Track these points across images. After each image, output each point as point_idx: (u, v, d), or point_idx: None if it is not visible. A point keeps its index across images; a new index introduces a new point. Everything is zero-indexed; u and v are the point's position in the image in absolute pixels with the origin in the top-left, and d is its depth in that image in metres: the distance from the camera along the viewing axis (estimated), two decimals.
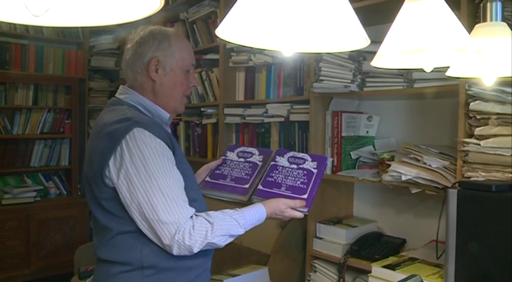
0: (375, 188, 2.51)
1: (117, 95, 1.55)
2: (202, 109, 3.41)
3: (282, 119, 2.74)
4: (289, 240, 2.57)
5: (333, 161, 2.38)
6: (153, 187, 1.29)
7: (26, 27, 4.28)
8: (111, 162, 1.33)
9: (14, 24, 3.91)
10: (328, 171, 2.37)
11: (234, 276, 2.23)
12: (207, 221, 1.34)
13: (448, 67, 1.33)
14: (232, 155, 1.81)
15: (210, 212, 1.38)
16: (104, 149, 1.34)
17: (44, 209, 4.18)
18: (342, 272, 2.26)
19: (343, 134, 2.38)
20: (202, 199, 1.55)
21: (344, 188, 2.59)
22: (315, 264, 2.45)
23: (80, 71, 4.60)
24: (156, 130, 1.36)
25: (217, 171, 1.76)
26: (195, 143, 3.55)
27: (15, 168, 4.29)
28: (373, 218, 2.55)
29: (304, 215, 1.54)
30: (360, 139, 2.47)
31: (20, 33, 4.25)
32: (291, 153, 1.72)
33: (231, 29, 0.79)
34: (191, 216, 1.32)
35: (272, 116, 2.81)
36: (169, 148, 1.38)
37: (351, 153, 2.42)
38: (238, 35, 0.86)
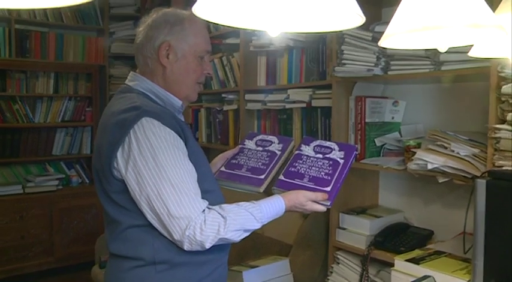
0: (402, 177, 2.46)
1: (127, 81, 1.52)
2: (223, 95, 3.42)
3: (304, 105, 2.71)
4: (312, 231, 2.55)
5: (356, 149, 2.30)
6: (163, 179, 1.27)
7: (46, 15, 4.30)
8: (119, 154, 1.31)
9: (33, 10, 3.95)
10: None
11: (253, 267, 2.24)
12: (220, 215, 1.31)
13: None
14: (250, 144, 1.79)
15: (224, 205, 1.35)
16: (112, 140, 1.32)
17: (66, 198, 4.25)
18: (366, 264, 2.22)
19: (367, 120, 2.33)
20: (218, 190, 1.53)
21: (369, 176, 2.55)
22: (338, 256, 2.42)
23: (100, 58, 4.64)
24: (167, 119, 1.33)
25: (233, 161, 1.74)
26: (216, 129, 3.55)
27: (37, 157, 4.37)
28: (400, 208, 2.50)
29: (327, 208, 1.50)
30: (384, 125, 2.42)
31: (40, 21, 4.30)
32: (317, 142, 1.68)
33: (210, 7, 0.73)
34: (203, 210, 1.29)
35: (294, 102, 2.79)
36: (181, 138, 1.35)
37: (375, 140, 2.37)
38: (219, 13, 0.80)
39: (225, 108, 3.40)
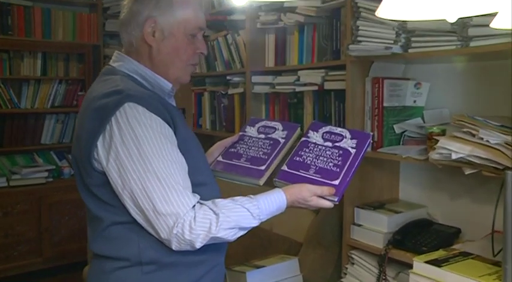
0: (425, 168, 2.45)
1: (111, 62, 1.53)
2: (228, 77, 3.43)
3: (316, 88, 2.71)
4: (324, 227, 2.56)
5: (373, 136, 2.32)
6: (148, 172, 1.27)
7: None
8: (99, 143, 1.32)
9: None
10: (368, 148, 2.28)
11: (258, 267, 2.25)
12: (212, 211, 1.31)
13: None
14: (251, 131, 1.79)
15: (217, 200, 1.36)
16: (91, 128, 1.32)
17: (57, 191, 4.28)
18: (383, 265, 2.21)
19: (385, 104, 2.31)
20: (214, 183, 1.54)
21: (388, 167, 2.54)
22: (353, 255, 2.42)
23: (93, 36, 4.64)
24: (153, 104, 1.34)
25: (232, 150, 1.75)
26: (221, 115, 3.59)
27: (24, 146, 4.40)
28: (423, 202, 2.48)
29: (334, 204, 1.50)
30: (405, 110, 2.40)
31: None
32: (327, 128, 1.68)
33: None
34: (193, 206, 1.30)
35: (305, 84, 2.79)
36: (169, 125, 1.36)
37: (395, 126, 2.35)
38: None
39: (230, 91, 3.43)
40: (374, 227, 2.33)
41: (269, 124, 1.79)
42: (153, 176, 1.26)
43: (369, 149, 2.22)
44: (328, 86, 2.64)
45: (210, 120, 3.73)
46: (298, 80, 2.81)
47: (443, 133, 2.09)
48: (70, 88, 4.55)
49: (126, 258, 1.36)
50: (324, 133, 1.66)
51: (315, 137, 1.66)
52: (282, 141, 1.71)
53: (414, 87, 2.40)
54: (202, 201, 1.33)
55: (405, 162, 2.30)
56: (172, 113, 1.38)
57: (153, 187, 1.26)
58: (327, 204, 1.48)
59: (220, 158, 1.73)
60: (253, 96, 3.19)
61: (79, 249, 4.14)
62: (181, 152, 1.36)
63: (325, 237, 2.54)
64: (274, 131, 1.75)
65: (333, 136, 1.64)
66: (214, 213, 1.31)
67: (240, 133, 1.80)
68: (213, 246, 1.36)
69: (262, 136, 1.75)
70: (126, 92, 1.32)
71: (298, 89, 2.83)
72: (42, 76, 4.40)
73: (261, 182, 1.61)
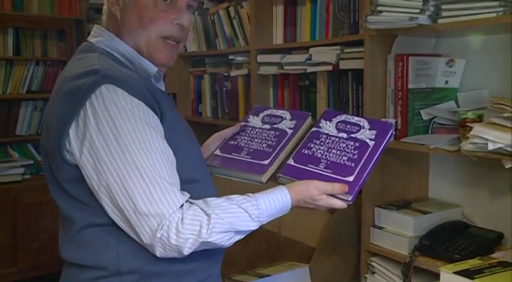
0: (460, 161, 2.44)
1: (89, 37, 1.53)
2: (230, 57, 3.45)
3: (330, 68, 2.71)
4: (340, 230, 2.56)
5: (396, 124, 2.30)
6: (128, 165, 1.27)
7: None
8: (72, 132, 1.31)
9: None
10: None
11: (261, 276, 2.27)
12: (203, 211, 1.30)
13: None
14: (255, 120, 1.82)
15: (209, 199, 1.35)
16: (63, 113, 1.32)
17: (35, 190, 4.25)
18: (408, 274, 2.20)
19: (410, 86, 2.29)
20: (209, 180, 1.54)
21: (415, 159, 2.53)
22: (373, 263, 2.42)
23: (75, 9, 4.64)
24: (135, 87, 1.33)
25: (232, 142, 1.76)
26: (223, 101, 3.60)
27: None
28: (457, 201, 2.48)
29: (348, 205, 1.50)
30: (435, 92, 2.38)
31: None
32: (342, 117, 1.70)
33: None
34: (181, 205, 1.29)
35: (318, 64, 2.78)
36: (155, 112, 1.36)
37: (422, 112, 2.33)
38: None
39: (233, 73, 3.45)
40: (398, 230, 2.33)
41: (275, 113, 1.82)
42: (133, 169, 1.26)
43: (391, 139, 2.23)
44: (344, 65, 2.63)
45: (210, 107, 3.74)
46: (310, 58, 2.81)
47: (479, 119, 2.07)
48: (49, 70, 4.56)
49: (103, 266, 1.36)
50: (338, 123, 1.67)
51: (328, 127, 1.67)
52: (290, 132, 1.73)
53: (446, 65, 2.38)
54: (192, 200, 1.33)
55: (435, 154, 2.28)
56: (158, 98, 1.38)
57: (133, 183, 1.26)
58: (339, 204, 1.48)
59: (217, 152, 1.75)
60: (259, 78, 3.20)
61: (60, 257, 4.13)
62: (169, 143, 1.36)
63: (341, 241, 2.54)
64: (281, 121, 1.78)
65: (348, 126, 1.65)
66: (206, 214, 1.30)
67: (242, 123, 1.82)
68: (206, 253, 1.37)
69: (267, 126, 1.77)
70: (103, 72, 1.31)
71: (310, 69, 2.82)
72: (16, 56, 4.40)
73: (264, 178, 1.62)
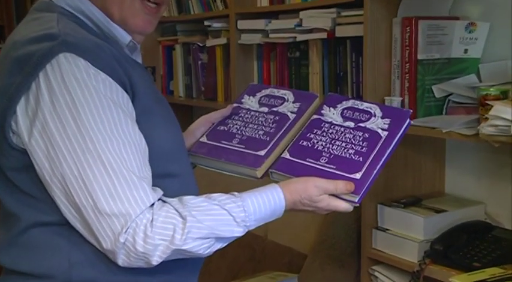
0: (483, 148, 2.42)
1: None
2: (206, 23, 3.45)
3: (325, 35, 2.69)
4: (336, 233, 2.56)
5: (402, 102, 2.31)
6: (88, 152, 1.25)
7: None
8: (19, 109, 1.29)
9: None
10: None
11: None
12: (177, 212, 1.29)
13: None
14: (250, 101, 1.84)
15: (186, 198, 1.34)
16: (9, 85, 1.30)
17: None
18: None
19: (420, 56, 2.28)
20: (189, 174, 1.56)
21: (427, 146, 2.53)
22: (375, 273, 2.43)
23: None
24: (103, 58, 1.33)
25: (222, 128, 1.78)
26: (198, 77, 3.60)
27: None
28: (478, 197, 2.49)
29: (354, 207, 1.52)
30: (451, 64, 2.37)
31: None
32: (349, 103, 1.71)
33: None
34: (152, 204, 1.28)
35: (310, 31, 2.78)
36: (126, 89, 1.35)
37: (434, 88, 2.32)
38: None
39: (210, 43, 3.44)
40: (405, 233, 2.33)
41: (275, 93, 1.83)
42: (95, 159, 1.24)
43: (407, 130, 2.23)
44: (341, 32, 2.62)
45: (183, 84, 3.75)
46: (300, 24, 2.81)
47: (504, 96, 2.06)
48: None
49: (50, 275, 1.35)
50: (344, 110, 1.68)
51: (331, 114, 1.68)
52: (292, 117, 1.73)
53: (465, 30, 2.36)
54: (165, 199, 1.32)
55: (451, 139, 2.29)
56: (131, 73, 1.37)
57: (94, 175, 1.24)
58: (343, 206, 1.48)
59: (203, 139, 1.75)
60: (240, 49, 3.20)
61: None
62: (141, 128, 1.35)
63: (337, 247, 2.54)
64: (283, 103, 1.78)
65: (356, 113, 1.66)
66: (181, 215, 1.28)
67: (235, 105, 1.84)
68: (180, 263, 1.36)
69: (265, 109, 1.78)
70: (62, 38, 1.30)
71: (300, 37, 2.83)
72: None
73: (259, 173, 1.62)
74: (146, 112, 1.39)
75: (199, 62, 3.54)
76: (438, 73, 2.33)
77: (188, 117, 3.86)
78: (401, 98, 2.31)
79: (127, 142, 1.29)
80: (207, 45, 3.44)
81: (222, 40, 3.32)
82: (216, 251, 1.36)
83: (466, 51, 2.37)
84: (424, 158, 2.53)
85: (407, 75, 2.30)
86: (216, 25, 3.35)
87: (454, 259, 2.11)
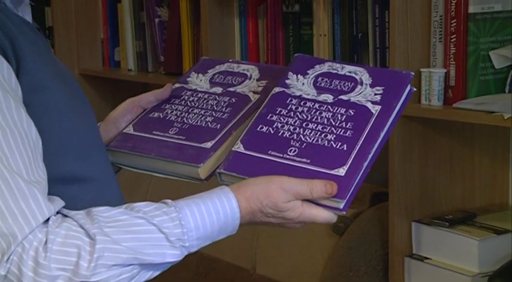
0: None
1: None
2: None
3: None
4: (354, 263, 2.59)
5: (446, 75, 2.31)
6: None
7: None
8: None
9: None
10: (436, 100, 2.31)
11: None
12: (83, 230, 1.28)
13: None
14: (198, 81, 1.89)
15: (97, 210, 1.34)
16: None
17: None
18: None
19: (472, 10, 2.31)
20: (107, 178, 1.59)
21: (483, 140, 2.55)
22: None
23: None
24: None
25: (155, 114, 1.83)
26: (155, 43, 3.63)
27: None
28: None
29: (339, 216, 1.52)
30: None
31: None
32: (325, 67, 1.74)
33: None
34: (47, 219, 1.27)
35: None
36: (9, 59, 1.36)
37: (492, 55, 2.35)
38: None
39: None
40: (452, 263, 2.37)
41: (235, 69, 1.89)
42: None
43: (437, 102, 2.24)
44: None
45: (135, 52, 3.79)
46: None
47: None
48: None
49: None
50: (317, 77, 1.70)
51: (300, 84, 1.70)
52: (255, 98, 1.78)
53: None
54: (66, 212, 1.32)
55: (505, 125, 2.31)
56: (15, 36, 1.39)
57: None
58: (323, 216, 1.48)
59: (129, 130, 1.79)
60: (215, 1, 3.21)
61: None
62: (31, 112, 1.36)
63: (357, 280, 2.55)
64: (243, 81, 1.84)
65: (335, 82, 1.68)
66: (87, 234, 1.27)
67: (176, 85, 1.88)
68: None
69: (219, 90, 1.83)
70: None
71: None
72: None
73: (203, 172, 1.64)
74: (38, 90, 1.41)
75: (157, 20, 3.55)
76: (497, 34, 2.35)
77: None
78: (445, 70, 2.31)
79: (9, 130, 1.29)
80: None
81: None
82: None
83: None
84: (479, 157, 2.54)
85: (453, 36, 2.31)
86: None
87: None
